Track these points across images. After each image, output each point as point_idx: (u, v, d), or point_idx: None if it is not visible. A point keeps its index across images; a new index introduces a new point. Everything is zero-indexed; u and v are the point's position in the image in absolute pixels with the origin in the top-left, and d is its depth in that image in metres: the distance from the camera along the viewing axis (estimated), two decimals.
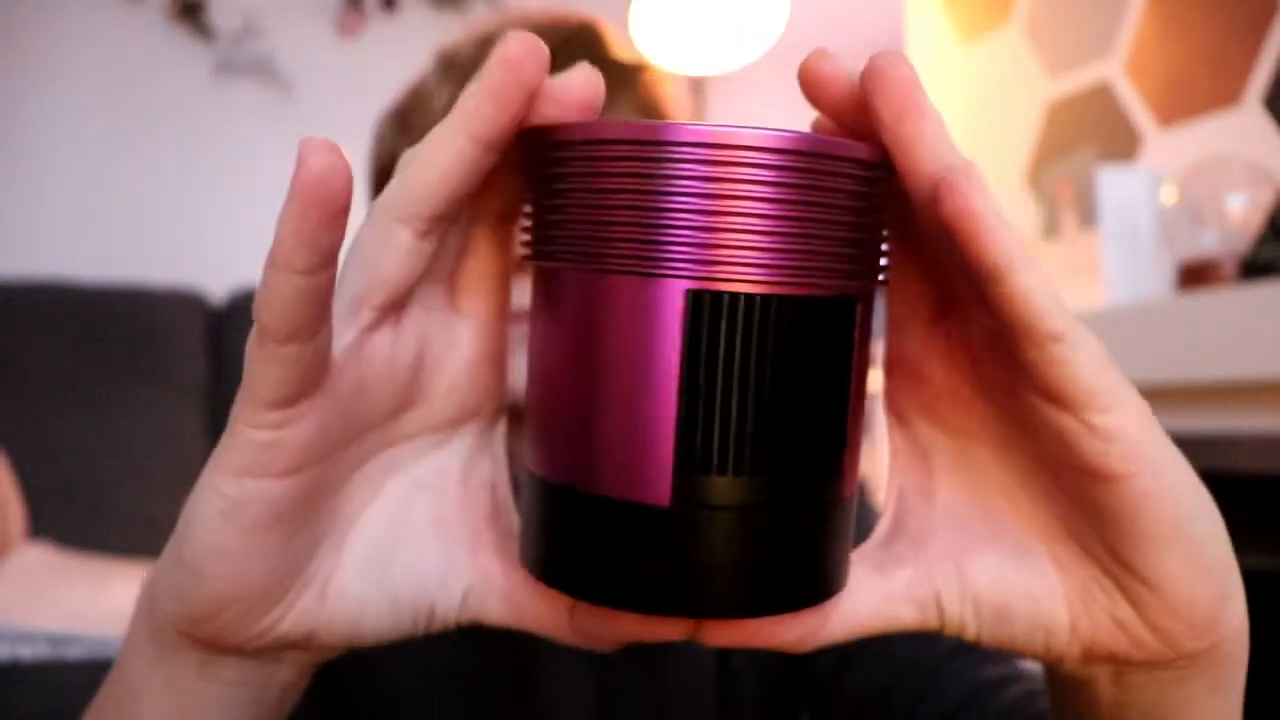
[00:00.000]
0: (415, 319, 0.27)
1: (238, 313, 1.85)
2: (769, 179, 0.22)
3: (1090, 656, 0.26)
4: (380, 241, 0.25)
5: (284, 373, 0.22)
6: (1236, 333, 1.07)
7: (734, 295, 0.22)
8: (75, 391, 1.70)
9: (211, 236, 2.07)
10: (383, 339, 0.26)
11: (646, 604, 0.24)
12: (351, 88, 2.14)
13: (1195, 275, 1.18)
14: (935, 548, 0.27)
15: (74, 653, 1.20)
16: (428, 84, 0.53)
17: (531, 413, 0.26)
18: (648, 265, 0.23)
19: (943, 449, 0.28)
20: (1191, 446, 1.20)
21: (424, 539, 0.28)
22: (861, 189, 0.23)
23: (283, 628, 0.26)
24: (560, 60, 0.52)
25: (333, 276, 0.22)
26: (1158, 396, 1.23)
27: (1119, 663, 0.26)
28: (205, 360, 1.81)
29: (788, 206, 0.22)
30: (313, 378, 0.23)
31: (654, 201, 0.22)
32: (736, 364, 0.23)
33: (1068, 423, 0.23)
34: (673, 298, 0.23)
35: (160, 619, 0.27)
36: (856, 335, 0.24)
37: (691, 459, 0.23)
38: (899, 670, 0.50)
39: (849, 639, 0.27)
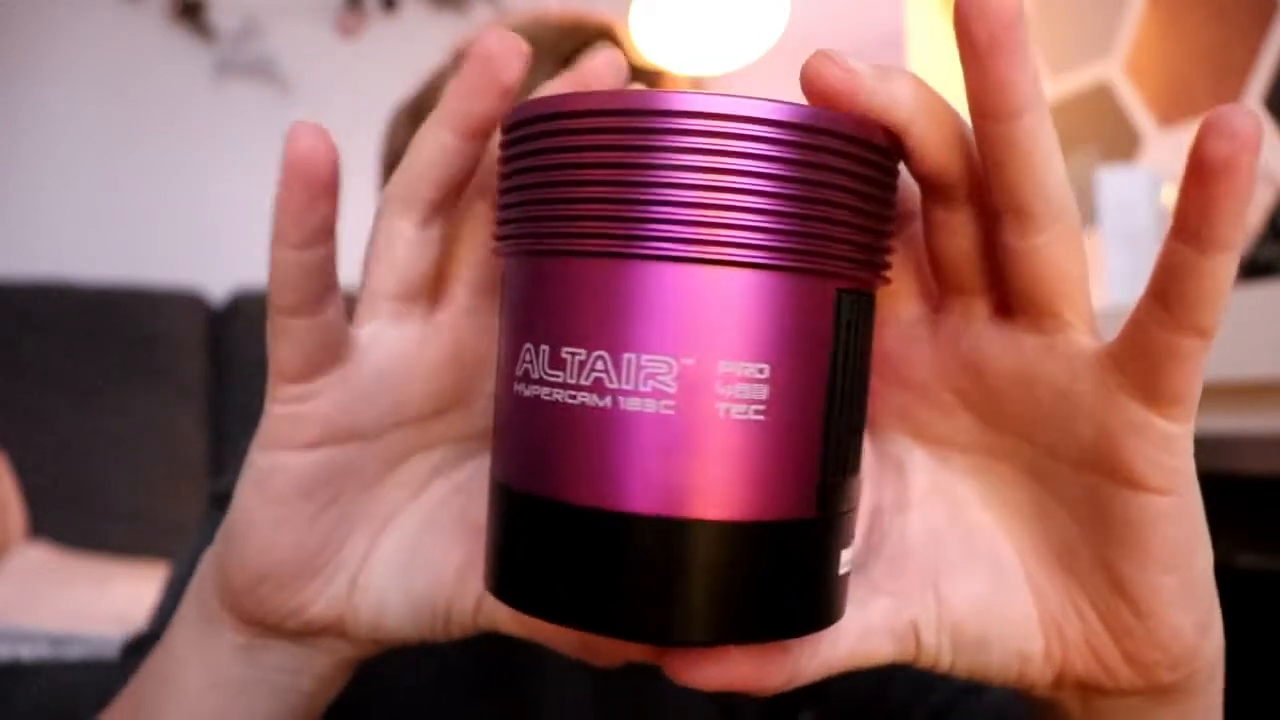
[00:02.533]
0: (453, 319, 0.28)
1: (238, 313, 1.85)
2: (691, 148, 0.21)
3: (1060, 683, 0.25)
4: (385, 234, 0.27)
5: (294, 346, 0.25)
6: (1236, 333, 1.07)
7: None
8: (75, 391, 1.70)
9: (211, 236, 2.07)
10: (410, 332, 0.27)
11: (575, 618, 0.21)
12: (351, 88, 2.14)
13: None
14: (911, 570, 0.26)
15: (74, 653, 1.20)
16: (444, 82, 0.53)
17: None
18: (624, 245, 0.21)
19: (919, 461, 0.27)
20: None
21: (448, 538, 0.29)
22: (866, 172, 0.22)
23: (315, 610, 0.27)
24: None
25: (330, 253, 0.24)
26: None
27: (1088, 690, 0.25)
28: (205, 360, 1.81)
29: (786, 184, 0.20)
30: (326, 354, 0.25)
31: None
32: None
33: (1136, 416, 0.22)
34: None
35: (207, 592, 0.29)
36: None
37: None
38: (894, 669, 0.50)
39: (821, 678, 0.25)
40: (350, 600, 0.28)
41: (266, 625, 0.28)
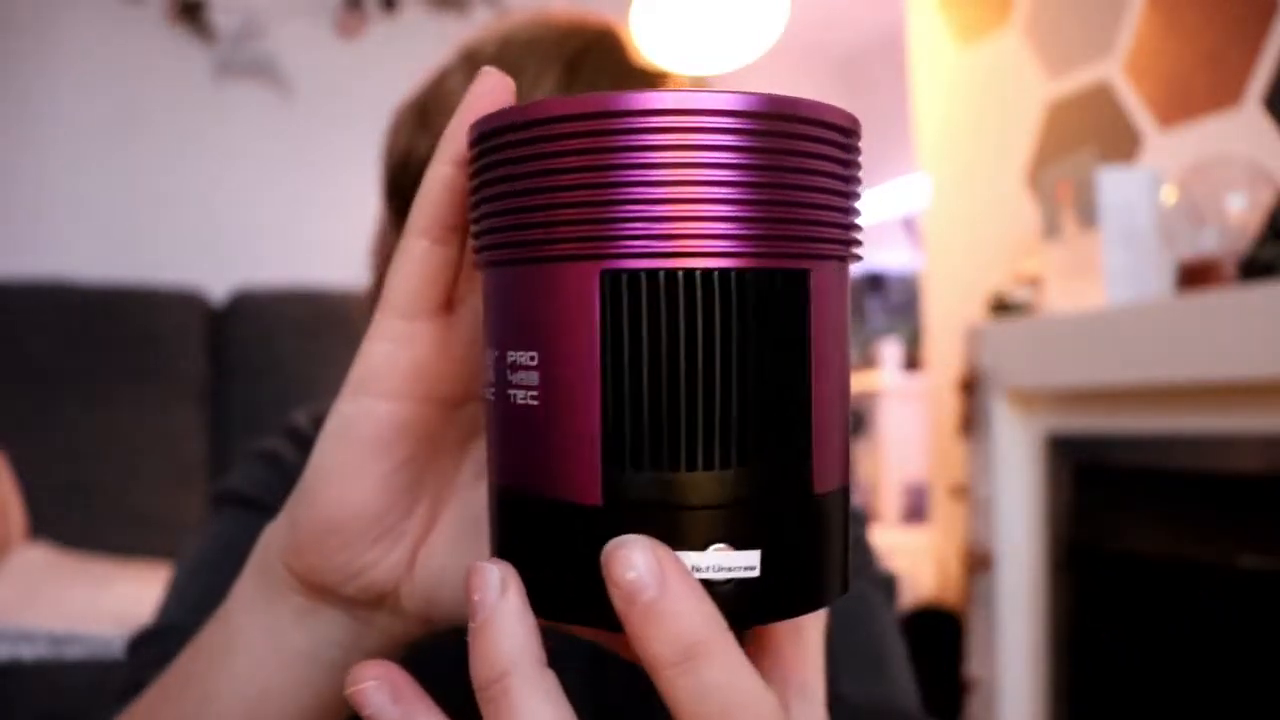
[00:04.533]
0: None
1: (238, 313, 1.85)
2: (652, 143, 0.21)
3: None
4: None
5: (411, 270, 0.26)
6: (1236, 333, 1.07)
7: (638, 273, 0.21)
8: (75, 391, 1.70)
9: (211, 236, 2.07)
10: None
11: (576, 616, 0.22)
12: (351, 88, 2.14)
13: (1195, 275, 1.18)
14: None
15: (74, 653, 1.20)
16: (450, 81, 0.53)
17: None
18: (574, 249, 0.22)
19: None
20: (1192, 446, 1.19)
21: None
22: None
23: (375, 574, 0.28)
24: (582, 66, 0.51)
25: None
26: (1158, 396, 1.23)
27: None
28: (205, 360, 1.81)
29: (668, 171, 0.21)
30: (435, 291, 0.27)
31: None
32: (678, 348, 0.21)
33: None
34: (591, 280, 0.21)
35: (271, 556, 0.30)
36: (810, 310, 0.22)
37: (620, 453, 0.21)
38: None
39: None
40: (410, 570, 0.29)
41: (327, 587, 0.28)
